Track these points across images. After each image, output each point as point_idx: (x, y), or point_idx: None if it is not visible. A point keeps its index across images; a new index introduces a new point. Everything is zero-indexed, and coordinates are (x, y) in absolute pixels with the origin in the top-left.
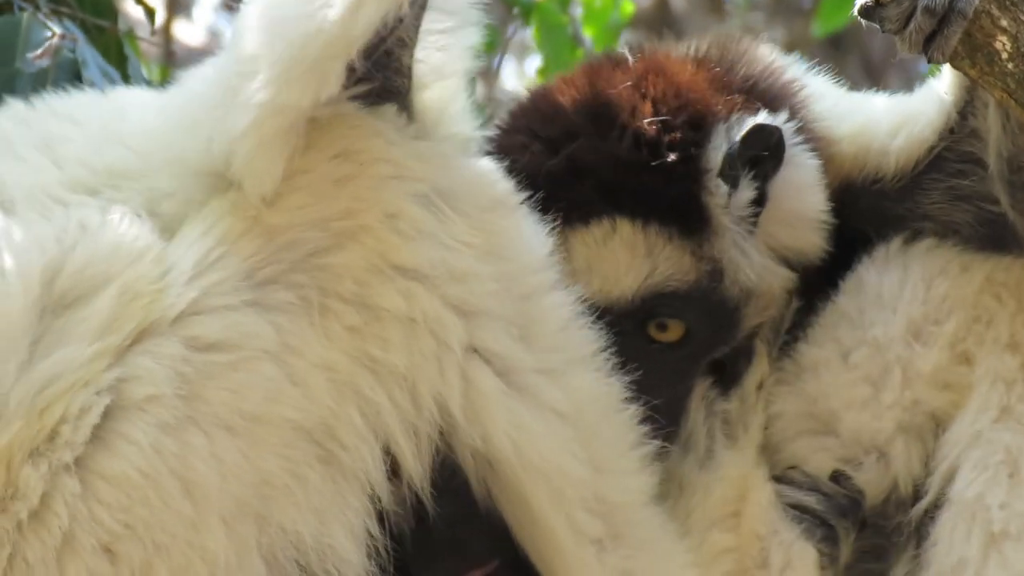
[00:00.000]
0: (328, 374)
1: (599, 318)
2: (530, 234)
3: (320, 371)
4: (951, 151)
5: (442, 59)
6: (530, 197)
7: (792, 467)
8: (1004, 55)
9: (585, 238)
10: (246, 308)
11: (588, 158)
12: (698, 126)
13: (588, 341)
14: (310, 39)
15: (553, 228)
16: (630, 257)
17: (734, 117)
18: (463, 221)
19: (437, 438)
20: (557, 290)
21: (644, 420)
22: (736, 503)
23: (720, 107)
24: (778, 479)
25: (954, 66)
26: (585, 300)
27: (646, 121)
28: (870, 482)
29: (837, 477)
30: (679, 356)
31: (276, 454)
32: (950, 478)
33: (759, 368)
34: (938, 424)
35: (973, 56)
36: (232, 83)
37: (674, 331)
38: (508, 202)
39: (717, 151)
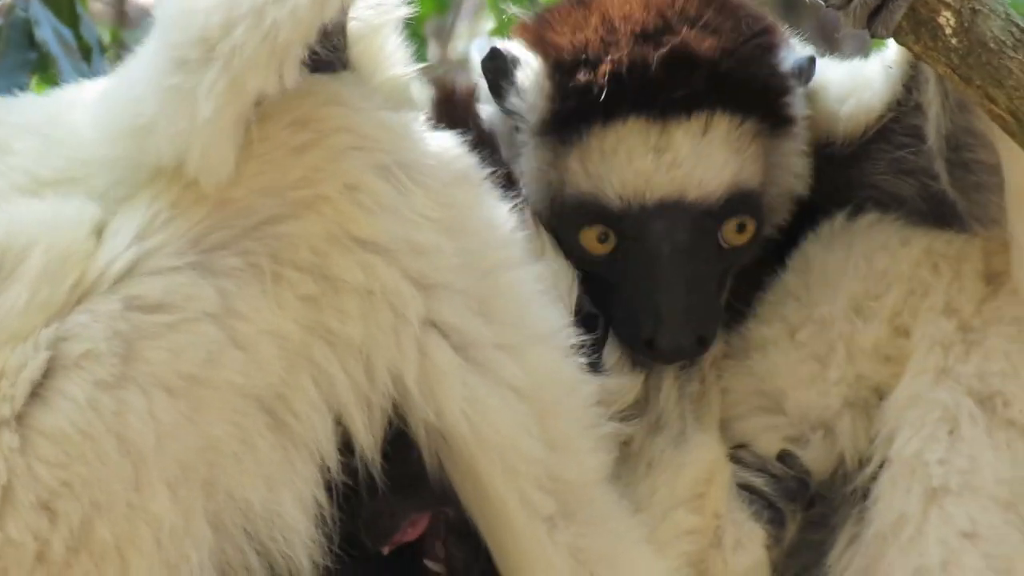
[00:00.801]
0: (278, 341)
1: (681, 216)
2: (493, 209)
3: (270, 338)
4: (898, 123)
5: (373, 13)
6: (618, 93)
7: (741, 446)
8: (948, 30)
9: (685, 130)
10: (190, 271)
11: (699, 49)
12: (774, 33)
13: (549, 319)
14: (280, 23)
15: (651, 119)
16: (726, 152)
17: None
18: (424, 194)
19: (391, 411)
20: (519, 267)
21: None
22: (704, 485)
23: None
24: (729, 458)
25: (898, 41)
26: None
27: (744, 20)
28: (817, 459)
29: (784, 457)
30: (731, 263)
31: (222, 419)
32: (890, 441)
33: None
34: (881, 397)
35: (917, 31)
36: (175, 72)
37: (748, 232)
38: (471, 176)
39: (789, 60)
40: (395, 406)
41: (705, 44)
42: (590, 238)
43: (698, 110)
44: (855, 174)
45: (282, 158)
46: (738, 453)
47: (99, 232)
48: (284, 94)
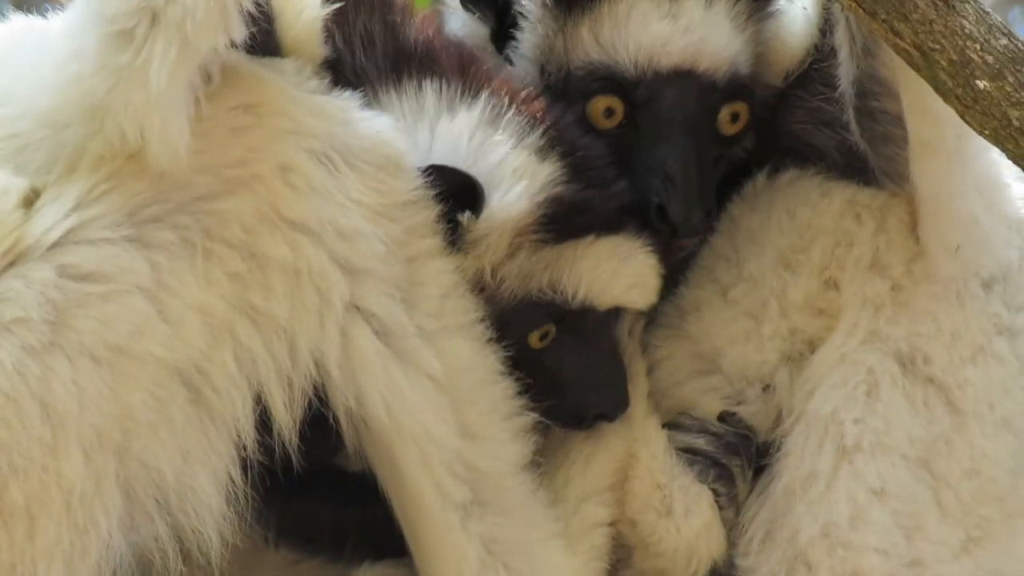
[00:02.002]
0: (203, 317)
1: (692, 86)
2: (419, 197)
3: (195, 313)
4: (816, 71)
5: None
6: None
7: (681, 413)
8: None
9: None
10: (125, 243)
11: None
12: None
13: (468, 310)
14: None
15: None
16: (730, 26)
17: None
18: (356, 178)
19: (311, 392)
20: (441, 256)
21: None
22: (615, 475)
23: None
24: (668, 425)
25: None
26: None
27: None
28: (757, 415)
29: (724, 417)
30: (723, 153)
31: (142, 389)
32: (809, 396)
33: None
34: (814, 351)
35: None
36: (121, 47)
37: (741, 122)
38: (401, 163)
39: None
40: (316, 389)
41: None
42: (598, 111)
43: None
44: (778, 123)
45: (222, 137)
46: (677, 419)
47: (29, 203)
48: (229, 79)
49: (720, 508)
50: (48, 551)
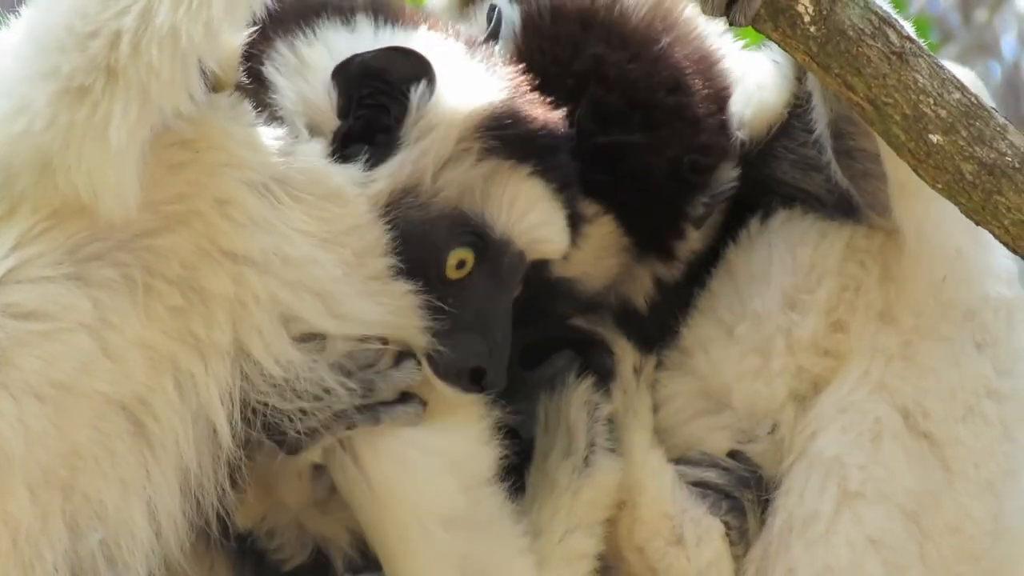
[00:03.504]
0: (145, 351)
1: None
2: (366, 221)
3: (137, 348)
4: (797, 118)
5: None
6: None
7: (689, 449)
8: (806, 18)
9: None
10: (66, 281)
11: None
12: None
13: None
14: (195, 38)
15: None
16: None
17: None
18: (299, 208)
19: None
20: (397, 277)
21: None
22: (605, 510)
23: None
24: (677, 461)
25: (756, 29)
26: None
27: None
28: (765, 454)
29: (734, 455)
30: None
31: (87, 425)
32: (812, 437)
33: (626, 355)
34: (818, 392)
35: (775, 19)
36: (74, 103)
37: None
38: (343, 192)
39: None
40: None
41: None
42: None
43: None
44: (766, 173)
45: (160, 174)
46: (687, 455)
47: None
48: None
49: (731, 542)
50: None
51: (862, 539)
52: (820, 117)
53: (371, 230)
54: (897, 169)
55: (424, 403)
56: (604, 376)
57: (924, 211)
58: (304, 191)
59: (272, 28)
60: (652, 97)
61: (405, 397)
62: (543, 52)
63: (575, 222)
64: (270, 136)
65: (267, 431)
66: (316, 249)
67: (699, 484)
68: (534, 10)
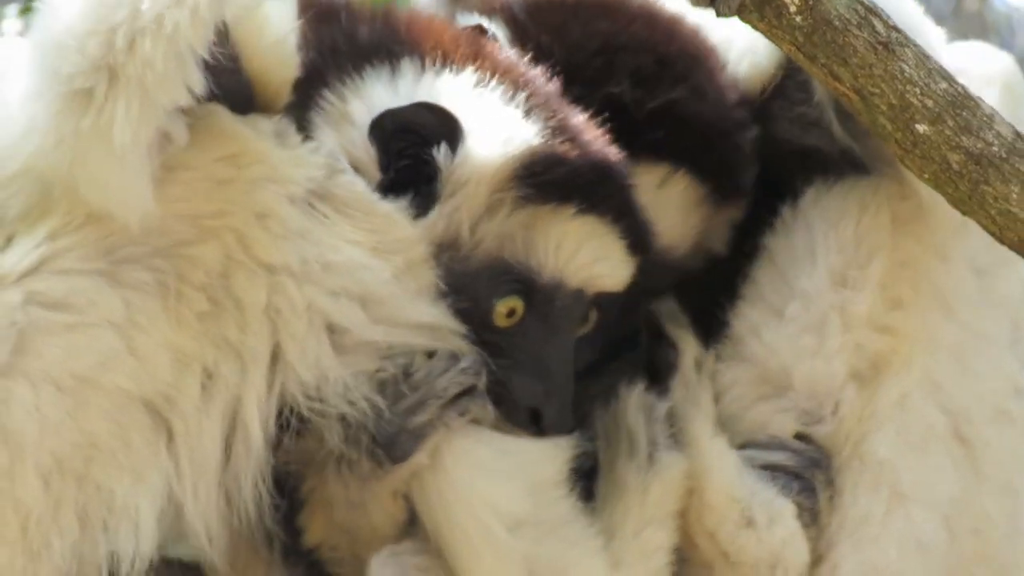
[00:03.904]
0: (173, 354)
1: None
2: (416, 236)
3: (165, 350)
4: (790, 79)
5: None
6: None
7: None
8: (792, 8)
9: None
10: (97, 276)
11: None
12: None
13: None
14: (182, 26)
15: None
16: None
17: None
18: (346, 222)
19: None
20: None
21: None
22: (675, 503)
23: None
24: (744, 447)
25: (742, 20)
26: None
27: None
28: (831, 436)
29: (801, 437)
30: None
31: (106, 418)
32: (865, 436)
33: (689, 348)
34: (879, 374)
35: (761, 9)
36: (81, 110)
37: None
38: (391, 212)
39: None
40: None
41: None
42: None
43: None
44: (767, 136)
45: (205, 189)
46: (753, 439)
47: (4, 246)
48: (212, 129)
49: (804, 524)
50: None
51: (912, 541)
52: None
53: (420, 246)
54: None
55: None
56: (667, 370)
57: None
58: (350, 207)
59: (326, 69)
60: (672, 50)
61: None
62: (552, 49)
63: (641, 242)
64: (315, 156)
65: (374, 434)
66: (365, 256)
67: (768, 467)
68: (516, 16)
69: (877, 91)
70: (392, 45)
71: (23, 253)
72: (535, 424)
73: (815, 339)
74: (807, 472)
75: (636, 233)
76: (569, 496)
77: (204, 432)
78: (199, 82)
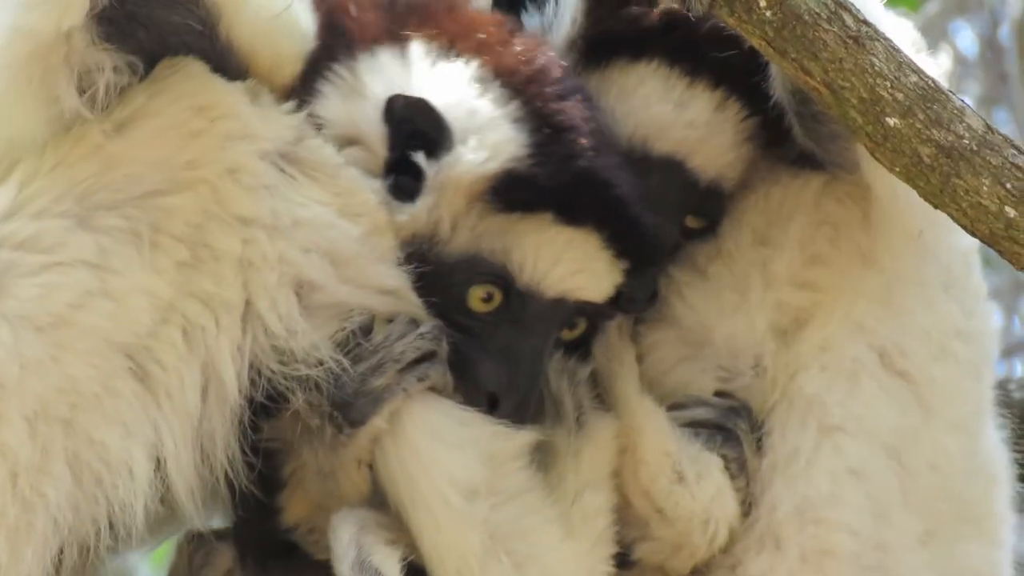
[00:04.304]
0: (149, 298)
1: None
2: (381, 202)
3: (140, 294)
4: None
5: None
6: None
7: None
8: (762, 3)
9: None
10: (69, 220)
11: None
12: None
13: None
14: None
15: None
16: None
17: None
18: (313, 184)
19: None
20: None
21: None
22: (609, 465)
23: None
24: (667, 409)
25: (713, 14)
26: None
27: None
28: (751, 391)
29: (720, 395)
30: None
31: (85, 361)
32: (792, 377)
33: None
34: (802, 328)
35: (731, 4)
36: None
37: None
38: (357, 178)
39: None
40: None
41: None
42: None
43: None
44: None
45: (177, 138)
46: (675, 400)
47: None
48: (185, 80)
49: (731, 475)
50: None
51: (843, 470)
52: (779, 82)
53: (382, 212)
54: None
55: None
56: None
57: None
58: (317, 171)
59: (337, 43)
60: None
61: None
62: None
63: (633, 248)
64: (286, 118)
65: (331, 398)
66: (333, 216)
67: (691, 424)
68: None
69: (847, 85)
70: (409, 26)
71: None
72: (491, 408)
73: (736, 296)
74: (729, 423)
75: (624, 240)
76: (527, 467)
77: (185, 384)
78: (73, 22)
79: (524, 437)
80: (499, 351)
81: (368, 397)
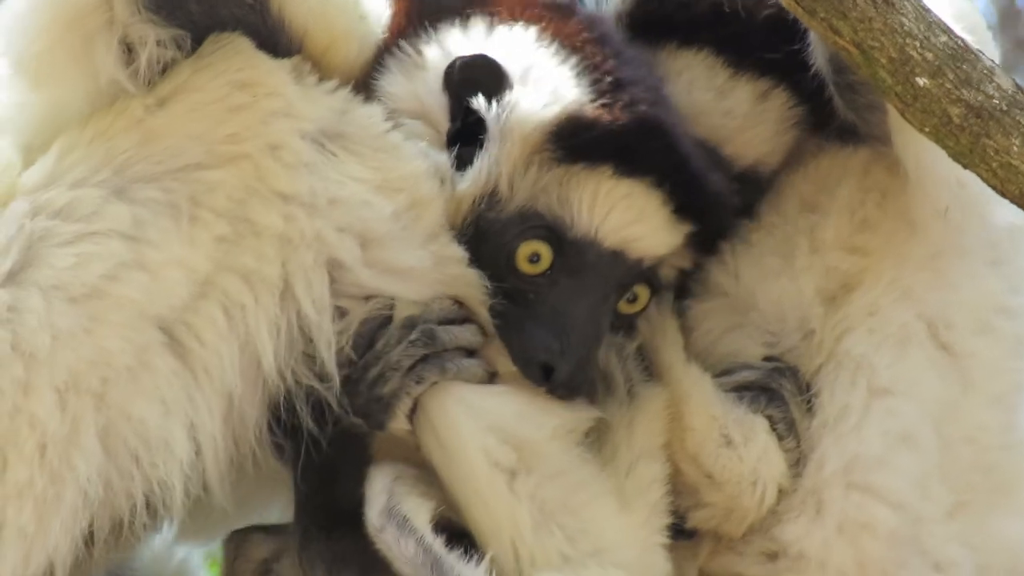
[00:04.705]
0: (186, 272)
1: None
2: (422, 173)
3: (177, 267)
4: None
5: None
6: None
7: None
8: None
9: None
10: (106, 190)
11: None
12: None
13: (482, 280)
14: None
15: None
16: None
17: None
18: (354, 160)
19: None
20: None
21: None
22: (661, 434)
23: None
24: (714, 376)
25: None
26: None
27: None
28: (799, 356)
29: (768, 360)
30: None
31: (118, 335)
32: (839, 339)
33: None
34: (850, 291)
35: None
36: None
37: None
38: (400, 146)
39: None
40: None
41: None
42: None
43: None
44: None
45: (219, 112)
46: (723, 367)
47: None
48: (229, 54)
49: (779, 436)
50: (18, 494)
51: (894, 434)
52: (819, 51)
53: (427, 183)
54: None
55: (494, 373)
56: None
57: (923, 142)
58: (360, 144)
59: (407, 21)
60: None
61: (470, 354)
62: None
63: (695, 205)
64: (328, 95)
65: (349, 406)
66: (369, 193)
67: (736, 388)
68: None
69: (877, 45)
70: (468, 3)
71: (36, 169)
72: (545, 380)
73: (781, 261)
74: (773, 383)
75: (686, 196)
76: (574, 444)
77: (224, 362)
78: None
79: (559, 413)
80: (551, 315)
81: (380, 403)
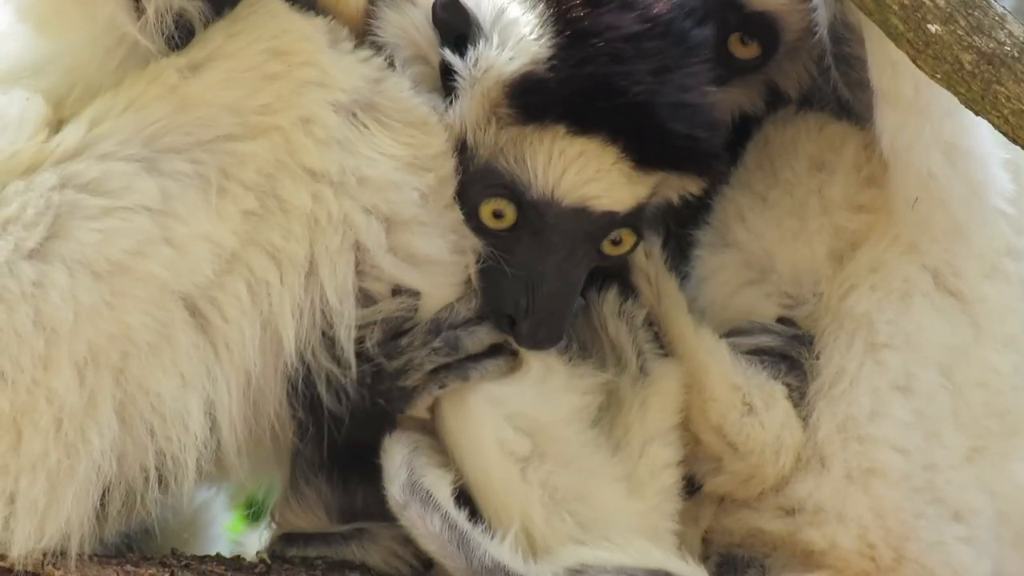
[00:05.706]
0: (212, 247)
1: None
2: (448, 149)
3: (203, 242)
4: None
5: None
6: None
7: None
8: None
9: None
10: (135, 163)
11: None
12: None
13: None
14: None
15: None
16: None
17: None
18: (386, 134)
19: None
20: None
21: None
22: (675, 416)
23: None
24: (728, 334)
25: None
26: None
27: None
28: (811, 317)
29: (783, 321)
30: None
31: (141, 310)
32: (843, 297)
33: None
34: (856, 249)
35: None
36: None
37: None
38: (430, 121)
39: None
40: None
41: None
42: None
43: None
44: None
45: (251, 80)
46: (737, 326)
47: (49, 126)
48: (262, 21)
49: (794, 403)
50: (32, 466)
51: (886, 385)
52: (822, 19)
53: (450, 159)
54: (880, 77)
55: (515, 353)
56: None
57: (900, 124)
58: (391, 118)
59: None
60: None
61: (493, 351)
62: None
63: (655, 156)
64: (363, 64)
65: (371, 389)
66: (399, 172)
67: (754, 352)
68: None
69: None
70: None
71: (66, 137)
72: (509, 330)
73: (796, 222)
74: (793, 351)
75: (646, 149)
76: (586, 429)
77: (245, 338)
78: None
79: (572, 400)
80: (518, 270)
81: (402, 392)
